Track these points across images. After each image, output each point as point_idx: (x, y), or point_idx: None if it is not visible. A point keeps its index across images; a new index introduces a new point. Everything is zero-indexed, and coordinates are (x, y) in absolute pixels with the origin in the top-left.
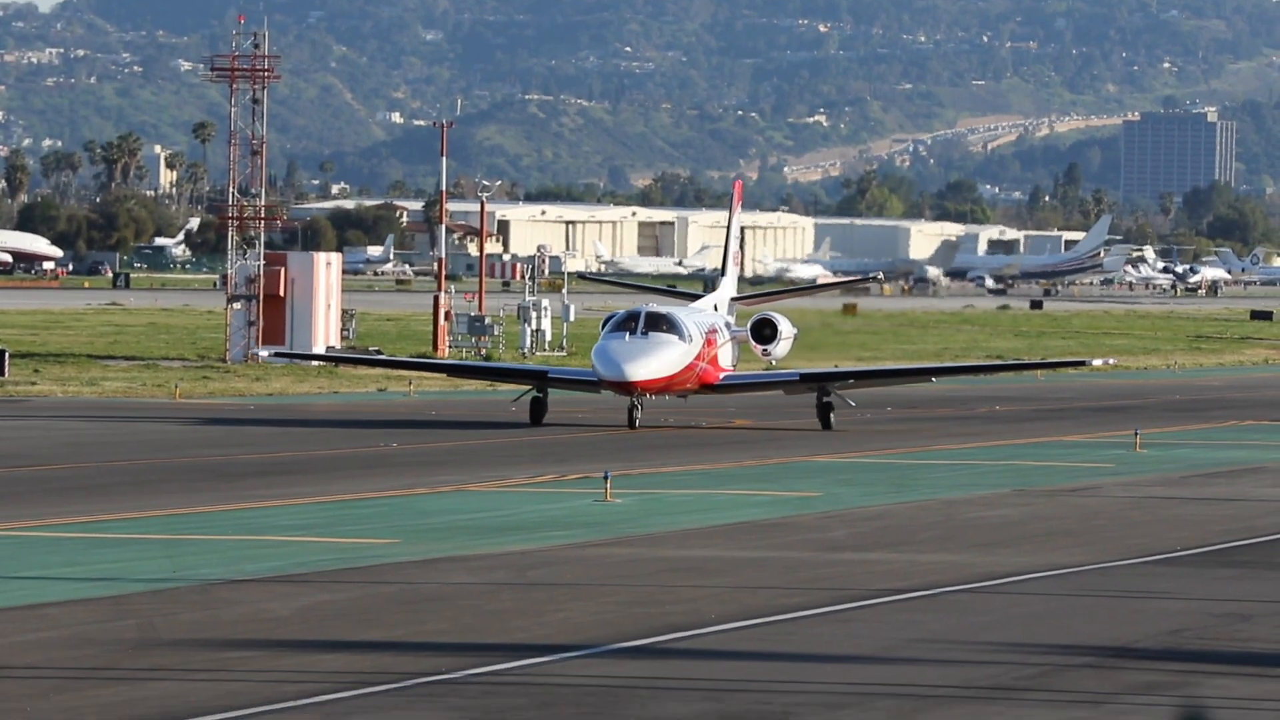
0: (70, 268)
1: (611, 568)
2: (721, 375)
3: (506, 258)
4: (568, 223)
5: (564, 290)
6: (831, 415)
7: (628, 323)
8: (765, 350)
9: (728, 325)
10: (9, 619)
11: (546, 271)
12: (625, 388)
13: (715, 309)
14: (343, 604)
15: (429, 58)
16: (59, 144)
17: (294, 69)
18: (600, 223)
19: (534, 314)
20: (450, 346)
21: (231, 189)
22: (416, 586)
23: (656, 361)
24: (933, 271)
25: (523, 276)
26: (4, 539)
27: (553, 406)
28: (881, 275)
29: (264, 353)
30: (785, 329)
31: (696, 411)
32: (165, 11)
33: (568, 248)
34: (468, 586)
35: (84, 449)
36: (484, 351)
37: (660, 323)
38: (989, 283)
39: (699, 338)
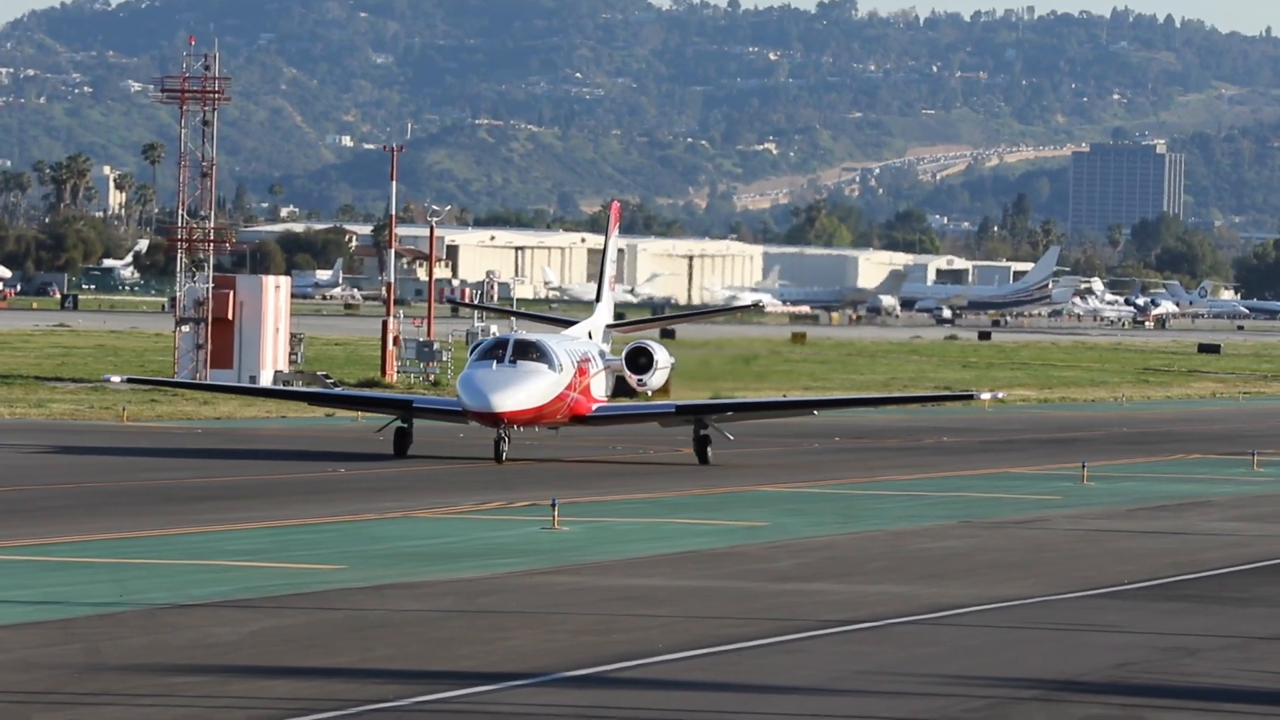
0: (18, 288)
1: (559, 596)
2: (594, 406)
3: (456, 283)
4: (517, 248)
5: (512, 320)
6: (709, 449)
7: (495, 350)
8: (640, 380)
9: (602, 354)
10: None
11: (495, 297)
12: (491, 419)
13: (590, 336)
14: (290, 630)
15: (379, 81)
16: (8, 164)
17: (244, 91)
18: (549, 249)
19: (483, 339)
20: (399, 372)
21: (181, 211)
22: (364, 613)
23: (524, 392)
24: (887, 301)
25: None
26: None
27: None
28: (762, 302)
29: (115, 379)
30: (661, 358)
31: (646, 441)
32: (115, 32)
33: (517, 273)
34: (415, 613)
35: (30, 471)
36: (433, 377)
37: (529, 351)
38: (945, 313)
39: (570, 367)
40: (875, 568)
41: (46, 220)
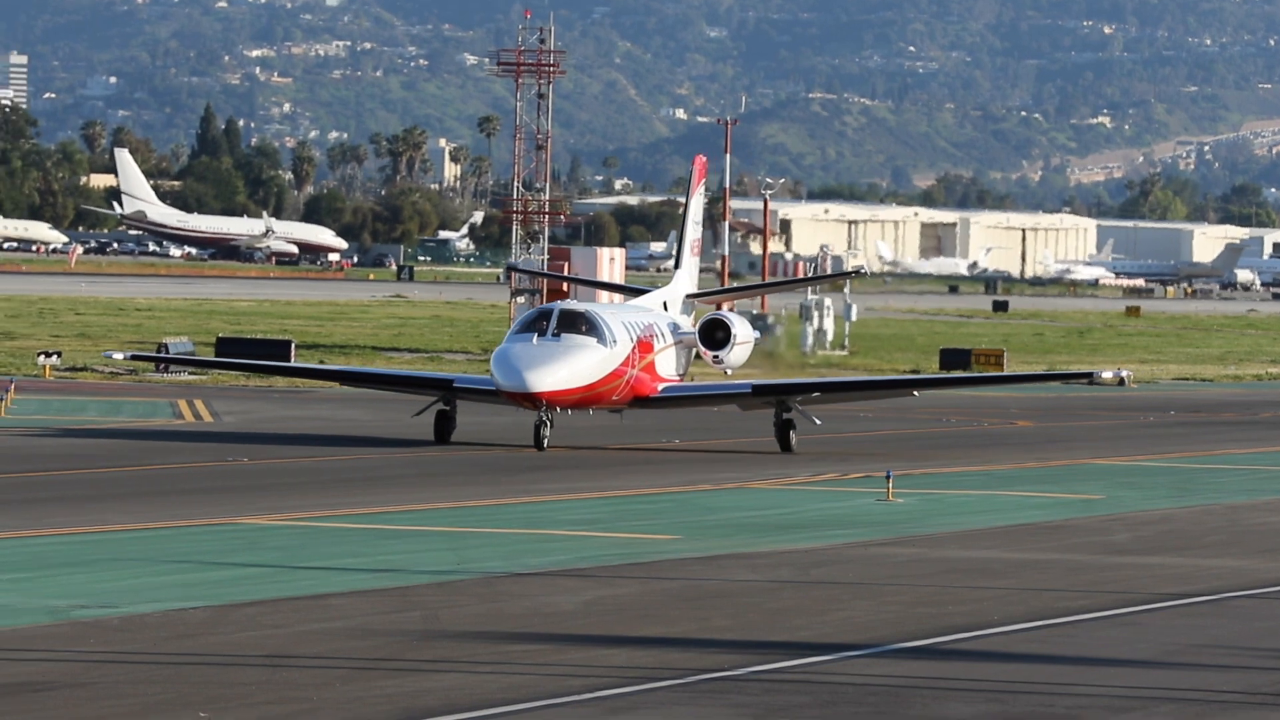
0: (355, 260)
1: (894, 567)
2: (660, 386)
3: (789, 256)
4: (850, 222)
5: (846, 289)
6: (792, 435)
7: (537, 322)
8: (716, 357)
9: (675, 327)
10: (294, 609)
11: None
12: (528, 400)
13: (665, 308)
14: (626, 599)
15: (713, 55)
16: (345, 136)
17: (579, 64)
18: (882, 222)
19: (816, 313)
20: None
21: (516, 183)
22: (699, 583)
23: (567, 369)
24: (1244, 275)
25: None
26: (289, 529)
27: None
28: (864, 268)
29: (118, 354)
30: (742, 332)
31: (975, 411)
32: (451, 5)
33: (849, 247)
34: (750, 584)
35: (367, 442)
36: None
37: (577, 322)
38: None
39: (628, 341)
40: (1212, 541)
41: (383, 192)
